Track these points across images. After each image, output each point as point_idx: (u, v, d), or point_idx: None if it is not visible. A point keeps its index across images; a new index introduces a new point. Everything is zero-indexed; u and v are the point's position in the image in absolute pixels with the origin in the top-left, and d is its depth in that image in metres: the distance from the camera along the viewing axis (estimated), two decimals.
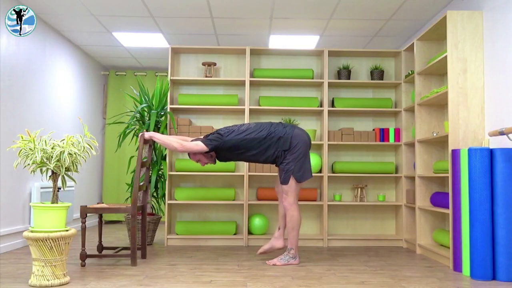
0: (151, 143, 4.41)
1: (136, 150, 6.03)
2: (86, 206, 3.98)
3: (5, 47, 4.63)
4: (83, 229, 3.92)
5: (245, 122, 5.24)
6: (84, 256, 3.87)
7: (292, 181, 4.01)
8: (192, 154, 4.17)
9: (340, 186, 5.53)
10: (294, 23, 5.45)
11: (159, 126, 5.31)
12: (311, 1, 4.77)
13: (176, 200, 5.23)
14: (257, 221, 5.19)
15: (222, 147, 4.04)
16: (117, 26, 5.60)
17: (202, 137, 4.12)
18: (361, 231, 5.48)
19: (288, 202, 4.05)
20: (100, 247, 4.35)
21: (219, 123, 5.52)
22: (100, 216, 4.38)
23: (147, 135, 4.12)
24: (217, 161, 5.30)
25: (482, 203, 3.58)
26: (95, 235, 5.97)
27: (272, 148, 4.05)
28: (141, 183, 4.32)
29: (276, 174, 5.17)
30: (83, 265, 3.87)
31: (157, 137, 4.08)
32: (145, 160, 4.32)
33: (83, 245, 3.91)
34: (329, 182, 5.52)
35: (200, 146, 4.00)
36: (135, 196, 3.95)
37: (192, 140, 4.11)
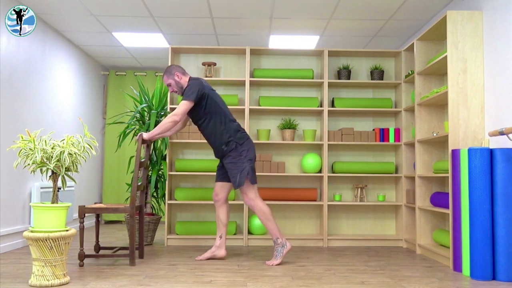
0: (148, 143, 4.41)
1: (136, 150, 6.04)
2: (84, 206, 3.98)
3: (5, 47, 4.63)
4: (81, 229, 3.91)
5: (246, 122, 5.24)
6: (82, 256, 3.87)
7: (247, 181, 4.06)
8: (166, 81, 4.20)
9: (340, 186, 5.53)
10: (294, 23, 5.45)
11: None
12: (311, 1, 4.77)
13: (176, 200, 5.23)
14: (257, 221, 5.19)
15: (201, 97, 4.06)
16: (117, 26, 5.60)
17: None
18: (361, 231, 5.48)
19: (249, 199, 4.07)
20: (97, 247, 4.35)
21: None
22: (97, 216, 4.37)
23: (145, 136, 4.12)
24: (216, 161, 5.29)
25: (482, 203, 3.58)
26: (92, 235, 5.96)
27: (228, 132, 4.08)
28: (139, 183, 4.32)
29: (272, 174, 5.17)
30: (81, 265, 3.86)
31: (155, 133, 4.09)
32: (143, 160, 4.32)
33: (81, 245, 3.90)
34: (329, 182, 5.52)
35: (186, 104, 4.00)
36: (134, 196, 3.95)
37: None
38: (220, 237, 4.23)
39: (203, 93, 4.06)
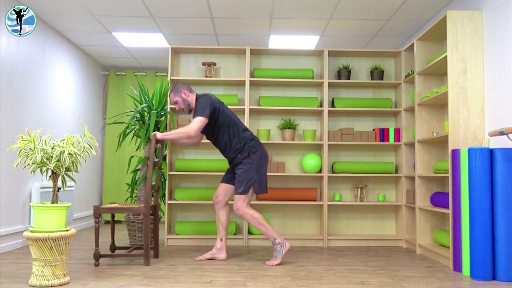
0: (162, 144, 4.41)
1: (136, 150, 6.02)
2: (99, 206, 3.97)
3: (5, 47, 4.63)
4: (96, 229, 3.92)
5: (246, 122, 5.24)
6: (97, 256, 3.88)
7: (251, 191, 4.07)
8: (173, 99, 4.24)
9: (340, 186, 5.53)
10: (294, 23, 5.45)
11: (159, 126, 5.30)
12: (311, 1, 4.77)
13: (176, 200, 5.23)
14: None
15: (213, 112, 4.07)
16: (117, 26, 5.60)
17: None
18: (361, 231, 5.48)
19: (237, 208, 4.08)
20: (113, 247, 4.36)
21: None
22: (113, 216, 4.37)
23: (159, 136, 4.13)
24: (216, 161, 5.29)
25: (482, 203, 3.58)
26: (92, 235, 5.95)
27: (241, 142, 4.09)
28: (153, 183, 4.33)
29: (272, 174, 5.17)
30: (96, 265, 3.87)
31: (168, 137, 4.09)
32: (154, 160, 4.32)
33: (97, 245, 3.91)
34: (329, 182, 5.52)
35: (202, 119, 4.01)
36: (148, 196, 3.95)
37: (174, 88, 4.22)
38: (221, 239, 4.24)
39: (215, 107, 4.07)
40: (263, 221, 4.08)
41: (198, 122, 3.99)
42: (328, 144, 5.43)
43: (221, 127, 4.11)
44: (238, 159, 4.10)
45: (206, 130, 4.18)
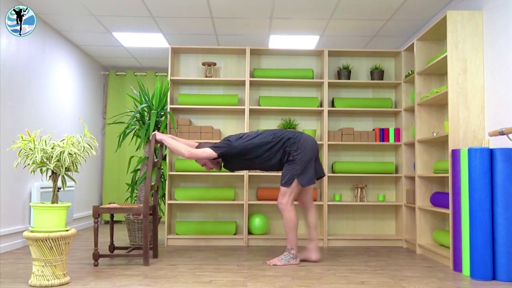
0: (162, 143, 4.41)
1: (136, 150, 6.02)
2: (98, 206, 3.97)
3: (5, 47, 4.63)
4: (96, 229, 3.92)
5: (246, 122, 5.25)
6: (96, 256, 3.88)
7: (293, 184, 4.03)
8: (201, 162, 4.22)
9: (340, 186, 5.53)
10: (294, 23, 5.45)
11: (159, 126, 5.30)
12: (311, 1, 4.77)
13: (176, 200, 5.23)
14: (257, 221, 5.19)
15: (231, 153, 4.05)
16: (117, 26, 5.60)
17: (208, 142, 4.16)
18: (361, 231, 5.48)
19: (283, 203, 4.06)
20: (112, 247, 4.37)
21: (219, 123, 5.52)
22: (112, 216, 4.37)
23: (158, 137, 4.13)
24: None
25: (482, 203, 3.58)
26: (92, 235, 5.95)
27: (280, 151, 4.07)
28: (153, 183, 4.33)
29: (272, 174, 5.17)
30: (96, 265, 3.87)
31: (168, 141, 4.11)
32: (154, 160, 4.32)
33: (96, 245, 3.91)
34: (329, 182, 5.52)
35: (207, 153, 4.02)
36: (147, 196, 3.95)
37: (197, 146, 4.16)
38: (311, 240, 4.24)
39: (233, 148, 4.04)
40: (295, 228, 4.07)
41: (203, 152, 4.01)
42: (328, 144, 5.43)
43: (251, 158, 4.09)
44: (285, 160, 4.09)
45: (233, 165, 4.17)
